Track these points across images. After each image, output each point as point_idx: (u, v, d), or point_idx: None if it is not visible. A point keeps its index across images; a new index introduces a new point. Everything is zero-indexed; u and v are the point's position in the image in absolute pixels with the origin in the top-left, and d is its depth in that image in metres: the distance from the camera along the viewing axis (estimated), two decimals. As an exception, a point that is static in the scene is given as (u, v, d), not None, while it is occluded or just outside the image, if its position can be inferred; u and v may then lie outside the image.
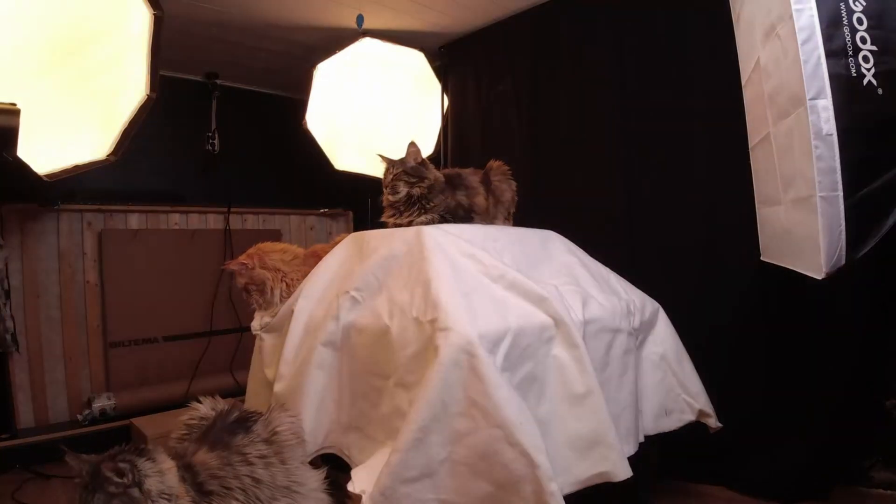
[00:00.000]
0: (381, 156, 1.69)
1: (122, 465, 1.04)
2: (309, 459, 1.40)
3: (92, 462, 1.06)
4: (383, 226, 1.65)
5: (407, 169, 1.61)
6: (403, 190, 1.60)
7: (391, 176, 1.62)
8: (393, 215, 1.64)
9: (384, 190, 1.65)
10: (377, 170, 1.74)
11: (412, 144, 1.64)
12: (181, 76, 3.29)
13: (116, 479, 1.03)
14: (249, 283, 1.77)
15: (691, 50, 2.08)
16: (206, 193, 3.30)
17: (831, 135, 1.16)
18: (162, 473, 1.07)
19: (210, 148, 3.31)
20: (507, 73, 2.76)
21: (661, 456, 2.00)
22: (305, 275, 1.72)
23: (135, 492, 1.03)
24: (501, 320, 1.26)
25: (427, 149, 2.81)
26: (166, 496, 1.05)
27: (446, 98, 3.05)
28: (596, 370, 1.33)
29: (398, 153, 1.66)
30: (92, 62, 1.73)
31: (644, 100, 2.23)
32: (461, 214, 1.66)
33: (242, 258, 1.80)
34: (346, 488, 1.24)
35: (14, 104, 1.46)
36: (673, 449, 1.93)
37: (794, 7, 1.18)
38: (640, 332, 1.63)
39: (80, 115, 1.79)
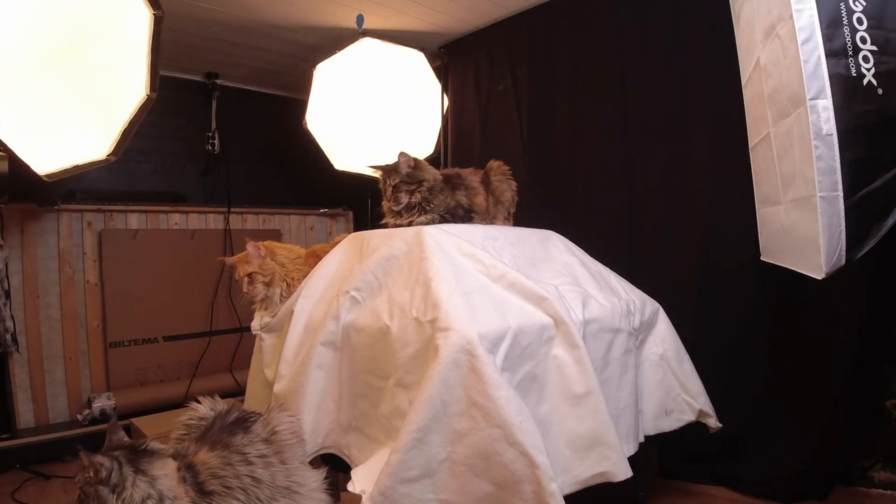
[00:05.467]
0: (372, 167, 1.69)
1: (100, 460, 1.04)
2: (309, 459, 1.40)
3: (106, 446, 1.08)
4: (383, 226, 1.65)
5: (404, 178, 1.60)
6: (405, 200, 1.60)
7: (391, 188, 1.62)
8: (393, 216, 1.64)
9: (386, 201, 1.65)
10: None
11: (402, 154, 1.63)
12: (181, 76, 3.30)
13: (90, 473, 1.04)
14: (258, 272, 1.73)
15: (691, 49, 2.09)
16: (206, 193, 3.31)
17: (831, 135, 1.16)
18: (154, 480, 1.07)
19: (210, 148, 3.31)
20: (507, 73, 2.76)
21: (661, 456, 2.00)
22: (305, 275, 1.72)
23: (104, 490, 1.03)
24: (501, 320, 1.26)
25: (427, 149, 2.81)
26: (153, 500, 1.05)
27: (446, 98, 3.05)
28: (596, 370, 1.33)
29: (397, 154, 1.66)
30: (92, 62, 1.72)
31: (644, 99, 2.23)
32: (461, 214, 1.66)
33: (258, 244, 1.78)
34: (340, 488, 1.24)
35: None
36: (673, 449, 1.93)
37: (794, 7, 1.18)
38: (640, 332, 1.63)
39: (80, 114, 1.79)
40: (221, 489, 1.15)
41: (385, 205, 1.65)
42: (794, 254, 1.40)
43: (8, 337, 2.38)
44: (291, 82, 3.52)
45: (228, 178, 3.24)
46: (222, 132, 3.35)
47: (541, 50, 2.60)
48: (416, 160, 1.65)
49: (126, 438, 1.20)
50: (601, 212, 2.35)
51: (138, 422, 2.46)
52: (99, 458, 1.04)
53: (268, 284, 1.74)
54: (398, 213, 1.62)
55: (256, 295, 1.74)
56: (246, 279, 1.74)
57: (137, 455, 1.10)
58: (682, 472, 1.99)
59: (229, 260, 1.84)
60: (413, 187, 1.60)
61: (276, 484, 1.23)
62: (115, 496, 1.03)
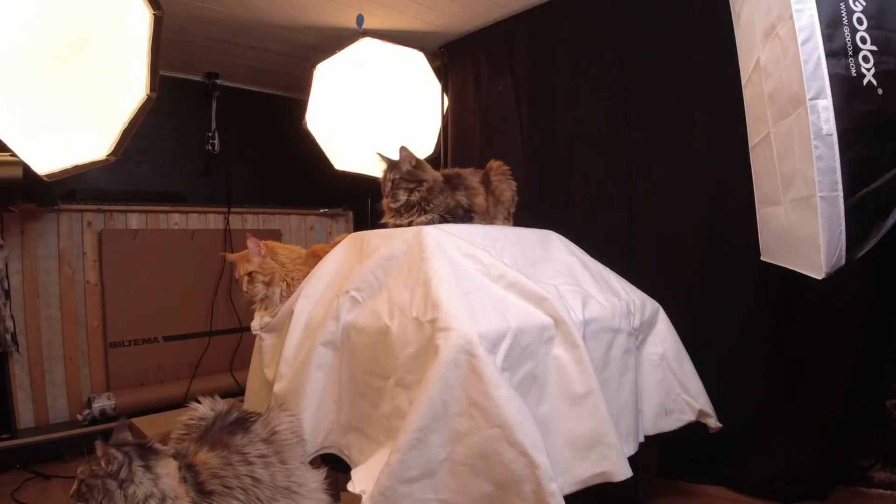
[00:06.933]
0: (379, 154, 1.69)
1: (114, 452, 1.05)
2: (309, 459, 1.40)
3: (113, 442, 1.10)
4: (383, 226, 1.65)
5: (404, 175, 1.60)
6: (403, 197, 1.60)
7: (390, 184, 1.62)
8: (393, 216, 1.64)
9: (384, 198, 1.65)
10: (377, 170, 1.74)
11: (403, 149, 1.63)
12: (181, 76, 3.30)
13: (102, 464, 1.04)
14: (258, 271, 1.72)
15: (691, 49, 2.09)
16: (206, 193, 3.31)
17: (831, 135, 1.16)
18: (157, 478, 1.07)
19: (210, 148, 3.31)
20: (506, 72, 2.76)
21: (661, 456, 2.00)
22: (305, 275, 1.71)
23: (111, 484, 1.03)
24: (501, 320, 1.26)
25: (427, 149, 2.81)
26: (156, 499, 1.05)
27: (446, 98, 3.04)
28: (596, 370, 1.33)
29: (394, 154, 1.66)
30: (92, 62, 1.72)
31: (644, 99, 2.23)
32: (461, 214, 1.66)
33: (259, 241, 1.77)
34: (340, 488, 1.24)
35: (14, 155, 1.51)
36: (673, 449, 1.93)
37: (794, 7, 1.18)
38: (640, 332, 1.63)
39: (80, 114, 1.79)
40: (221, 489, 1.15)
41: (384, 202, 1.65)
42: (794, 254, 1.40)
43: (8, 337, 2.38)
44: (291, 82, 3.52)
45: (228, 178, 3.24)
46: (222, 132, 3.35)
47: (541, 50, 2.60)
48: (417, 159, 1.65)
49: (130, 438, 1.20)
50: (601, 212, 2.35)
51: (138, 422, 2.46)
52: (113, 451, 1.05)
53: (267, 284, 1.73)
54: (397, 212, 1.62)
55: (256, 294, 1.74)
56: (246, 278, 1.73)
57: (145, 452, 1.11)
58: (682, 472, 1.99)
59: (230, 256, 1.83)
60: (413, 186, 1.60)
61: (276, 484, 1.23)
62: (121, 491, 1.03)
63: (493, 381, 1.14)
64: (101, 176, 2.95)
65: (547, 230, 1.81)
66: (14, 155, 1.56)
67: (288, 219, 3.50)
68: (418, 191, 1.59)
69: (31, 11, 1.58)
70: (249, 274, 1.73)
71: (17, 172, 2.18)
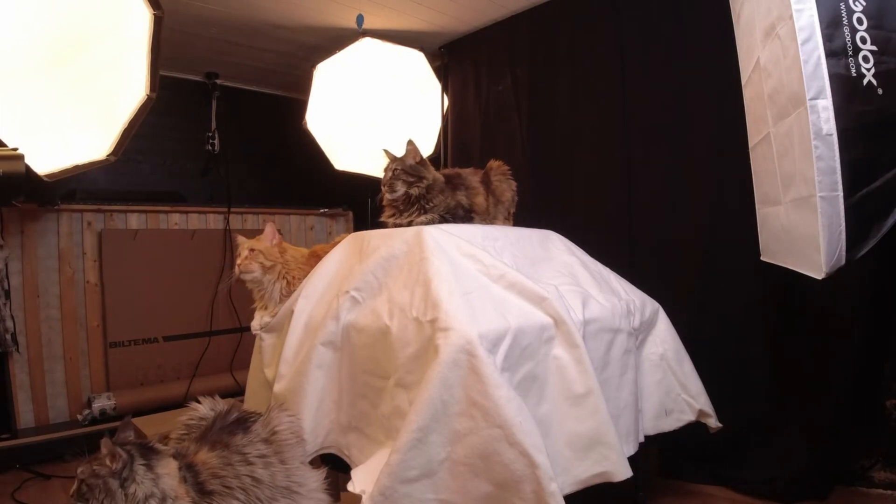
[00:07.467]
0: (385, 151, 1.69)
1: (119, 450, 1.05)
2: (309, 459, 1.40)
3: (115, 441, 1.10)
4: (383, 226, 1.65)
5: (406, 168, 1.60)
6: (401, 189, 1.60)
7: (390, 174, 1.62)
8: (393, 215, 1.64)
9: (382, 188, 1.64)
10: (377, 170, 1.74)
11: (410, 143, 1.63)
12: (181, 76, 3.30)
13: (106, 462, 1.05)
14: (262, 251, 1.71)
15: (691, 50, 2.09)
16: (206, 193, 3.31)
17: (831, 135, 1.16)
18: (158, 478, 1.07)
19: (210, 148, 3.31)
20: (506, 73, 2.76)
21: (661, 456, 2.00)
22: (306, 275, 1.72)
23: (113, 483, 1.03)
24: (501, 320, 1.26)
25: (427, 149, 2.81)
26: (157, 499, 1.05)
27: (446, 98, 3.05)
28: (596, 370, 1.33)
29: (398, 153, 1.66)
30: (92, 62, 1.73)
31: (644, 99, 2.23)
32: (461, 214, 1.66)
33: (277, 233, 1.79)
34: (340, 488, 1.24)
35: (16, 149, 1.52)
36: (673, 449, 1.93)
37: (794, 7, 1.18)
38: (640, 332, 1.63)
39: (81, 115, 1.80)
40: (221, 489, 1.15)
41: (382, 194, 1.65)
42: (795, 253, 1.40)
43: (8, 337, 2.38)
44: (291, 82, 3.52)
45: (228, 178, 3.24)
46: (222, 132, 3.35)
47: (541, 50, 2.60)
48: (422, 157, 1.65)
49: (132, 437, 1.20)
50: (601, 212, 2.35)
51: (138, 422, 2.46)
52: (119, 449, 1.05)
53: (265, 269, 1.72)
54: (396, 209, 1.62)
55: (248, 272, 1.71)
56: (247, 251, 1.72)
57: (147, 451, 1.11)
58: (683, 472, 1.99)
59: (241, 238, 1.81)
60: (412, 180, 1.60)
61: (276, 484, 1.23)
62: (122, 490, 1.03)
63: (493, 380, 1.14)
64: (101, 176, 2.95)
65: (547, 230, 1.81)
66: (16, 149, 1.56)
67: (288, 219, 3.49)
68: (417, 186, 1.59)
69: (31, 11, 1.58)
70: (252, 249, 1.72)
71: (21, 167, 2.17)
